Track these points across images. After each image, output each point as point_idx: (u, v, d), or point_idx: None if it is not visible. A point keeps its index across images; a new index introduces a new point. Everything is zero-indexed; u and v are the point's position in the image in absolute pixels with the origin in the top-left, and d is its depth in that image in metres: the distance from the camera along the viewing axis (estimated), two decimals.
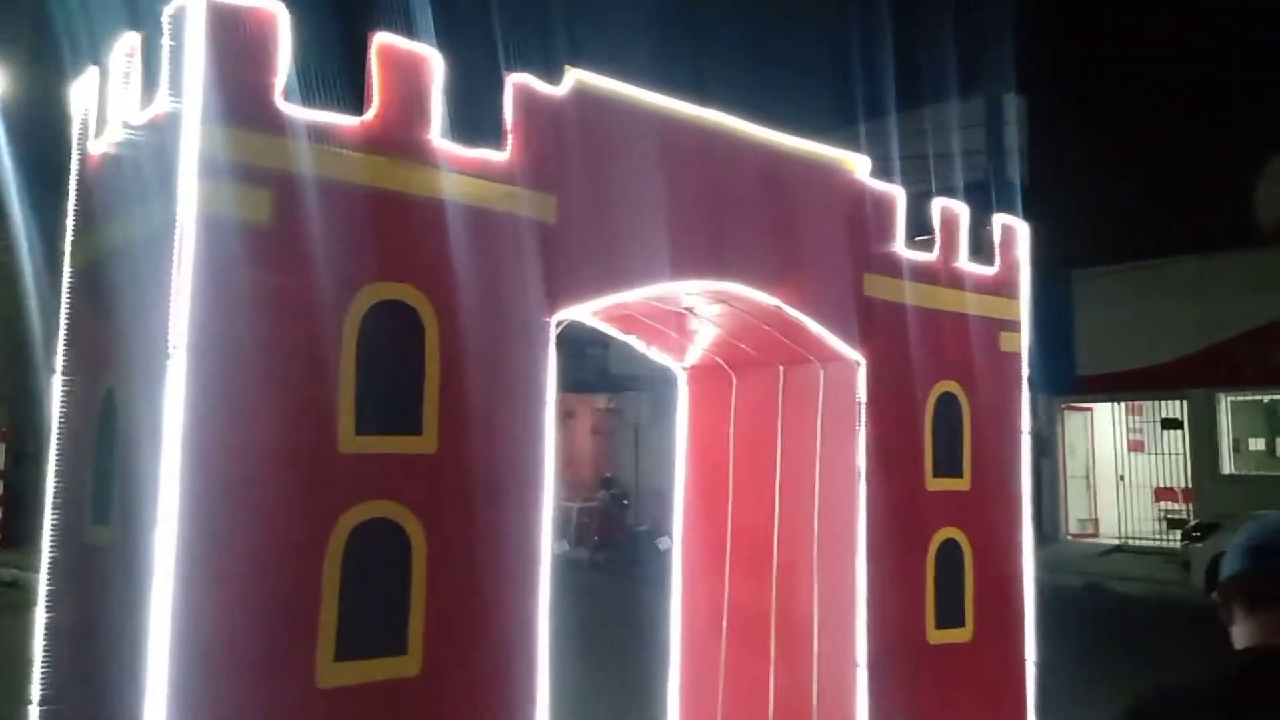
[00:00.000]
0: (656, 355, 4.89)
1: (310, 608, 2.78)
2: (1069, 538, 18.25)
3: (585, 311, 3.70)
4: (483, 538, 3.12)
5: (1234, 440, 16.91)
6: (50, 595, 3.26)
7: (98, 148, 3.37)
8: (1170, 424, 17.27)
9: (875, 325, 4.28)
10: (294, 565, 2.78)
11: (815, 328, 4.12)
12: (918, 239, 4.55)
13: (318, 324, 2.87)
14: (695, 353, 4.86)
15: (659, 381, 5.41)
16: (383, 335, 2.97)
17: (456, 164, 3.16)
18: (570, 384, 19.52)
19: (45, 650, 3.24)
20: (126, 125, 3.10)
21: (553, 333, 3.35)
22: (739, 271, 3.90)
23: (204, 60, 2.74)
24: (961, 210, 4.65)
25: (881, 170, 4.45)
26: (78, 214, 3.50)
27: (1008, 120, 15.78)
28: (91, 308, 3.38)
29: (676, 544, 4.91)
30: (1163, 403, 17.46)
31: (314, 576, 2.79)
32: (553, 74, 3.45)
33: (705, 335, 4.61)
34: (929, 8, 16.40)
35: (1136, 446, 18.67)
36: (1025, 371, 4.86)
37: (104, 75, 3.33)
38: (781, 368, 4.60)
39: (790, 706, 4.38)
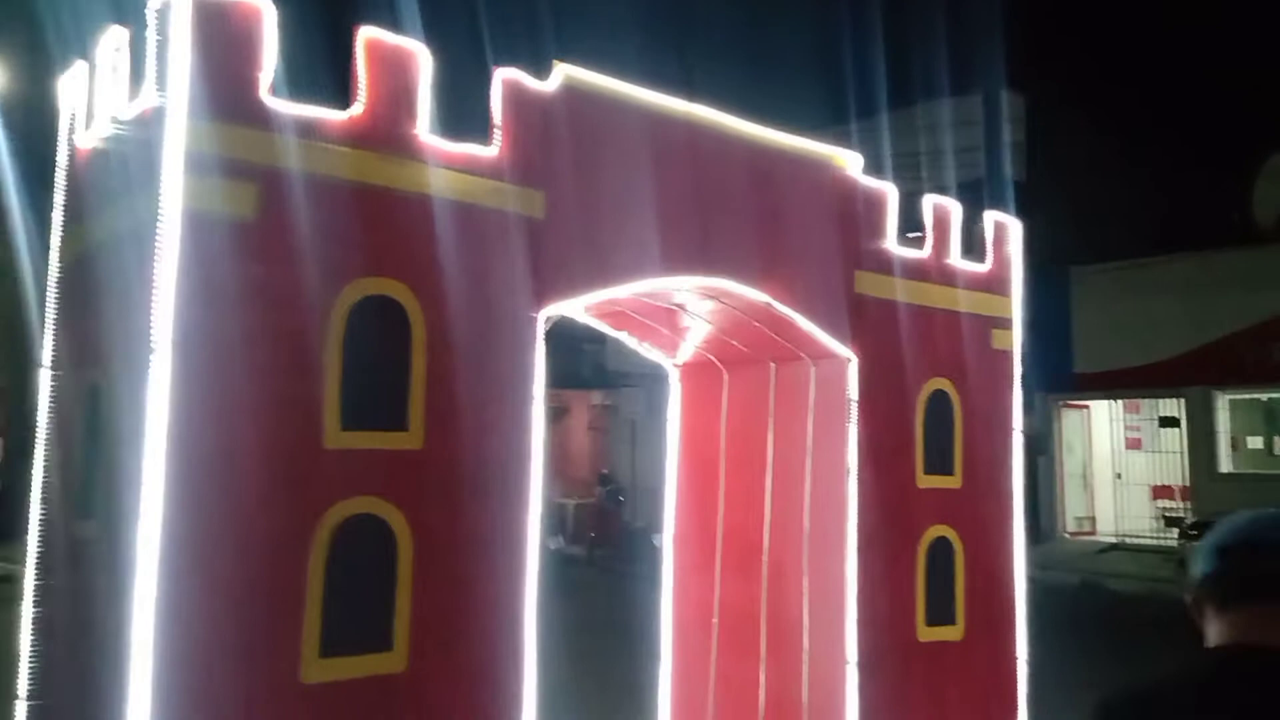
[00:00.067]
0: (648, 352, 4.88)
1: (295, 603, 2.78)
2: (1066, 536, 18.26)
3: (574, 307, 3.69)
4: (469, 534, 3.12)
5: (1231, 438, 16.93)
6: (37, 589, 3.26)
7: (85, 142, 3.36)
8: (1168, 422, 17.28)
9: (866, 322, 4.27)
10: (279, 560, 2.77)
11: (806, 324, 4.12)
12: (910, 235, 4.54)
13: (303, 319, 2.87)
14: (687, 349, 4.86)
15: (656, 378, 5.40)
16: (369, 330, 2.96)
17: (444, 159, 3.15)
18: (567, 380, 19.55)
19: (33, 644, 3.24)
20: (114, 119, 3.09)
21: (541, 328, 3.34)
22: (728, 267, 3.90)
23: (189, 55, 2.73)
24: (954, 207, 4.64)
25: (877, 167, 4.44)
26: (66, 209, 3.49)
27: (1005, 117, 15.76)
28: (78, 301, 3.37)
29: (667, 541, 4.90)
30: (1160, 401, 17.47)
31: (299, 572, 2.78)
32: (541, 69, 3.45)
33: (697, 332, 4.60)
34: (927, 4, 16.37)
35: (1134, 444, 18.69)
36: (1018, 369, 4.86)
37: (92, 70, 3.33)
38: (773, 365, 4.60)
39: (780, 704, 4.38)
